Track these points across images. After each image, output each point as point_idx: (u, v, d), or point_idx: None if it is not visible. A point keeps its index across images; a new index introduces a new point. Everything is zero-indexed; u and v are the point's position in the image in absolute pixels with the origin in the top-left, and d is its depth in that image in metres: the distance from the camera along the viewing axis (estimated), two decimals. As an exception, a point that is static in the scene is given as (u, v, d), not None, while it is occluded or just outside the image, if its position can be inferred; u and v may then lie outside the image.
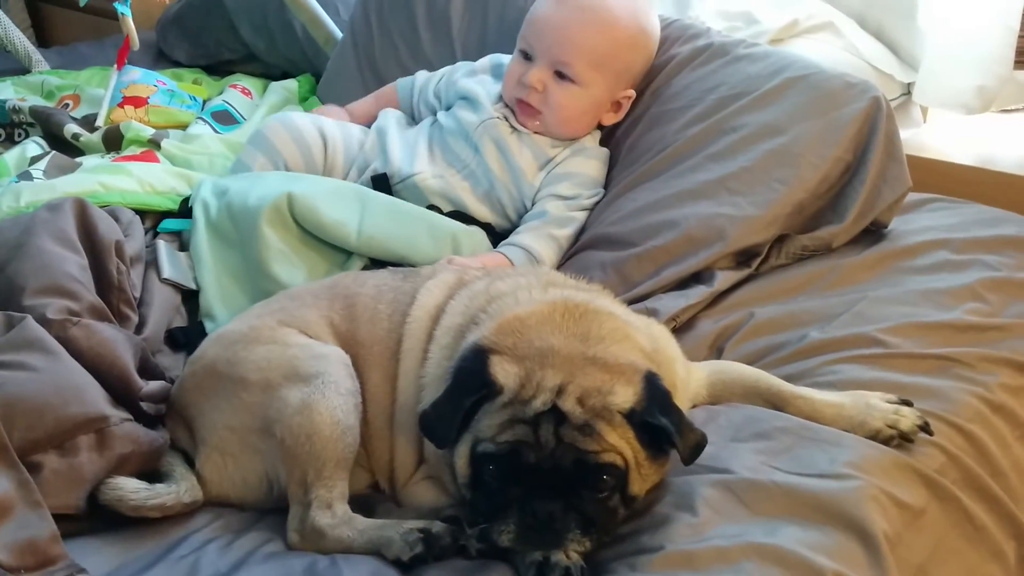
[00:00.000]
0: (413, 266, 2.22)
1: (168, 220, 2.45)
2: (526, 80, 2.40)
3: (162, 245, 2.31)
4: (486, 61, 2.65)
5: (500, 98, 2.50)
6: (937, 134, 3.18)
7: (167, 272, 2.26)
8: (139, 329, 2.10)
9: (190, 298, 2.29)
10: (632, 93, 2.49)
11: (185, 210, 2.45)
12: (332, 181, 2.43)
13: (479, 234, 2.37)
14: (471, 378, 1.58)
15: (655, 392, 1.57)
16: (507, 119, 2.46)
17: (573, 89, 2.40)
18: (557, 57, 2.39)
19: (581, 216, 2.40)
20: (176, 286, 2.27)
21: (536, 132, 2.45)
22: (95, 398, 1.74)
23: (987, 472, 1.79)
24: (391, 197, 2.41)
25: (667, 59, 2.54)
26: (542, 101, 2.41)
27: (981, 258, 2.25)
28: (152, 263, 2.28)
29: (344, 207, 2.29)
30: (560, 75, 2.40)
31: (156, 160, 2.72)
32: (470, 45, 2.85)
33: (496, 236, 2.44)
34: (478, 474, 1.59)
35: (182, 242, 2.41)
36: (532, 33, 2.43)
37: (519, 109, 2.45)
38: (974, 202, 2.53)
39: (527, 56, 2.43)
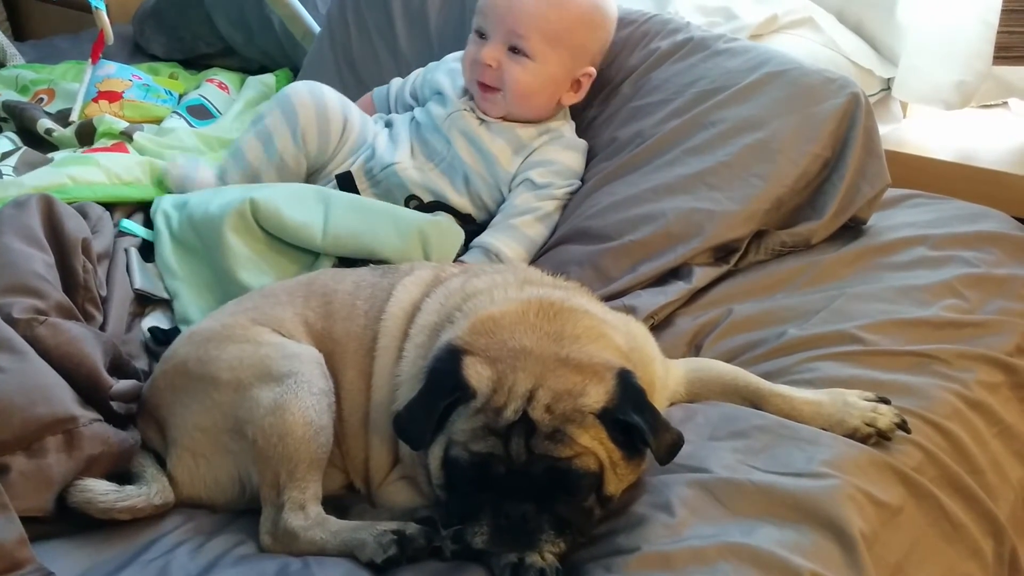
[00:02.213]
0: (382, 261, 2.21)
1: (127, 221, 2.41)
2: (480, 58, 2.40)
3: (133, 254, 2.28)
4: (459, 54, 2.63)
5: (465, 91, 2.49)
6: (916, 129, 3.18)
7: (139, 282, 2.23)
8: (102, 327, 2.07)
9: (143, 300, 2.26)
10: (592, 71, 2.47)
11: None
12: (293, 185, 2.41)
13: (446, 221, 2.34)
14: (444, 380, 1.56)
15: (628, 390, 1.55)
16: (473, 111, 2.45)
17: (527, 64, 2.39)
18: (510, 30, 2.38)
19: (550, 205, 2.38)
20: (147, 295, 2.24)
21: (499, 118, 2.44)
22: (63, 398, 1.70)
23: (965, 469, 1.79)
24: (353, 195, 2.39)
25: (647, 53, 2.52)
26: (497, 78, 2.40)
27: (960, 254, 2.25)
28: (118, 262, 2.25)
29: (307, 208, 2.27)
30: (514, 50, 2.39)
31: (126, 152, 2.68)
32: (447, 40, 2.83)
33: (478, 227, 2.42)
34: (451, 476, 1.57)
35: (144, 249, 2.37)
36: (485, 10, 2.43)
37: (479, 93, 2.44)
38: (953, 198, 2.53)
39: (481, 35, 2.43)
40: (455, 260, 2.29)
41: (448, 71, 2.58)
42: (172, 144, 2.76)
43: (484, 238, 2.34)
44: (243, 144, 2.49)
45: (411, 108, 2.64)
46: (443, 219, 2.35)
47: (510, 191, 2.41)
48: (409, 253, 2.23)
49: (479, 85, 2.43)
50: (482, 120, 2.44)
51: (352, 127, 2.51)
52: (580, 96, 2.49)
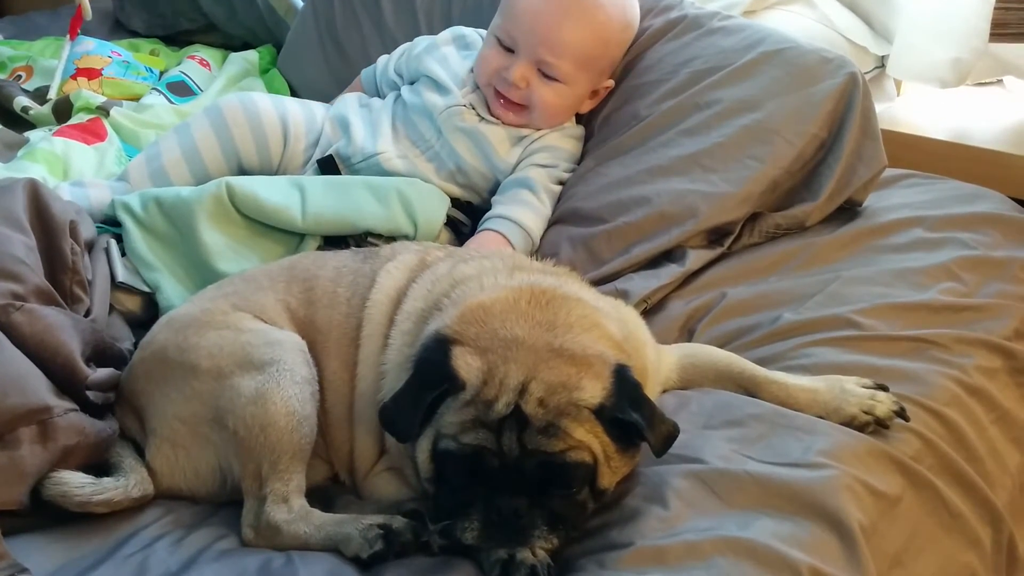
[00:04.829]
0: (369, 232, 2.17)
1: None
2: (509, 76, 2.29)
3: (114, 247, 2.21)
4: (447, 34, 2.56)
5: (466, 82, 2.40)
6: (911, 108, 3.15)
7: (121, 275, 2.16)
8: (88, 310, 2.02)
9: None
10: (611, 83, 2.42)
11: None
12: (264, 177, 2.33)
13: (419, 181, 2.30)
14: (433, 371, 1.52)
15: (625, 386, 1.51)
16: (474, 107, 2.37)
17: (558, 87, 2.31)
18: (544, 57, 2.28)
19: (558, 189, 2.35)
20: (131, 289, 2.17)
21: (510, 125, 2.37)
22: (37, 388, 1.66)
23: (963, 457, 1.76)
24: (326, 176, 2.34)
25: (640, 31, 2.46)
26: (525, 97, 2.32)
27: (956, 236, 2.22)
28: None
29: (283, 193, 2.22)
30: (544, 71, 2.30)
31: (103, 129, 2.62)
32: (434, 17, 2.77)
33: (465, 211, 2.38)
34: (440, 469, 1.53)
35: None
36: (518, 27, 2.30)
37: (496, 101, 2.35)
38: (949, 178, 2.50)
39: (507, 47, 2.32)
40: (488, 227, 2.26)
41: (440, 59, 2.47)
42: (149, 121, 2.70)
43: (509, 211, 2.26)
44: (165, 161, 2.38)
45: (395, 84, 2.58)
46: (416, 180, 2.30)
47: (512, 174, 2.35)
48: (393, 218, 2.19)
49: (500, 97, 2.34)
50: (483, 117, 2.37)
51: (295, 127, 2.42)
52: (596, 103, 2.43)
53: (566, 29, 2.27)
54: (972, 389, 1.87)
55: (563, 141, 2.38)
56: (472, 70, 2.42)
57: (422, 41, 2.58)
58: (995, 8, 2.82)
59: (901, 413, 1.72)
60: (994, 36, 2.86)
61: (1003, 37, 2.91)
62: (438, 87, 2.42)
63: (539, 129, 2.37)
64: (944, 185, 2.44)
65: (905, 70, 2.98)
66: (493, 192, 2.37)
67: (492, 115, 2.36)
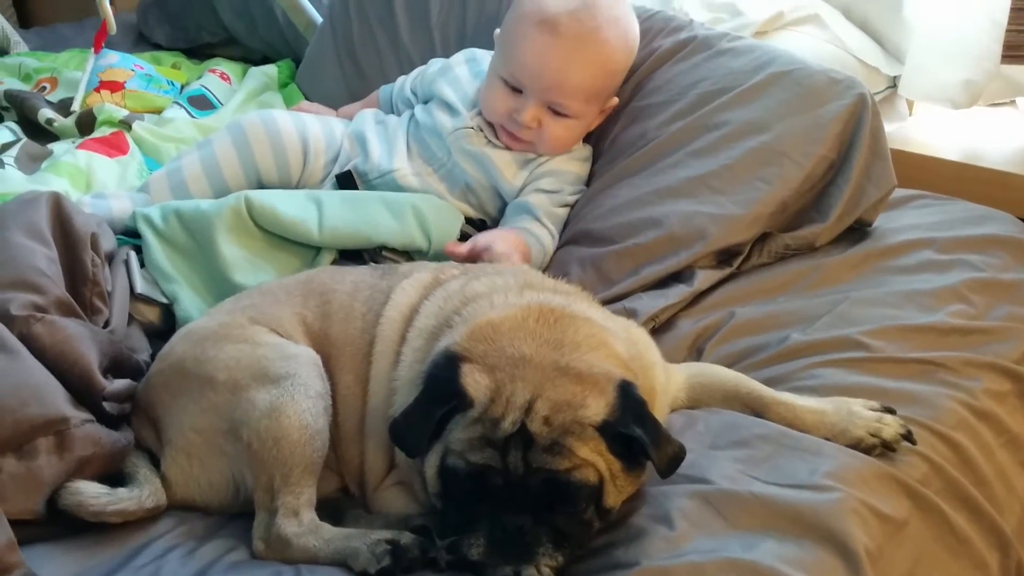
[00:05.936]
0: (384, 246, 2.21)
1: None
2: (520, 119, 2.31)
3: (134, 259, 2.24)
4: (461, 56, 2.59)
5: (476, 102, 2.43)
6: (923, 128, 3.16)
7: (140, 287, 2.19)
8: (107, 321, 2.04)
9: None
10: (616, 100, 2.44)
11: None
12: (282, 191, 2.37)
13: (434, 197, 2.33)
14: (442, 387, 1.54)
15: (629, 402, 1.52)
16: (482, 129, 2.39)
17: (568, 122, 2.34)
18: (554, 99, 2.30)
19: (563, 212, 2.36)
20: (149, 300, 2.20)
21: (516, 151, 2.39)
22: (55, 399, 1.68)
23: (971, 481, 1.75)
24: (343, 191, 2.36)
25: (649, 52, 2.48)
26: (536, 135, 2.35)
27: (966, 258, 2.21)
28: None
29: (300, 206, 2.25)
30: (553, 109, 2.32)
31: (125, 143, 2.66)
32: (449, 35, 2.80)
33: (478, 228, 2.40)
34: (447, 486, 1.54)
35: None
36: (524, 73, 2.31)
37: (506, 136, 2.37)
38: (959, 199, 2.49)
39: (514, 88, 2.33)
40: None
41: (452, 80, 2.50)
42: (171, 135, 2.74)
43: (535, 230, 2.28)
44: (186, 175, 2.42)
45: (410, 103, 2.61)
46: (431, 196, 2.33)
47: (517, 197, 2.37)
48: (408, 233, 2.22)
49: (509, 134, 2.36)
50: (490, 140, 2.39)
51: (315, 144, 2.45)
52: (602, 120, 2.45)
53: (573, 72, 2.28)
54: (980, 412, 1.86)
55: (569, 164, 2.39)
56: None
57: (437, 63, 2.61)
58: (1007, 30, 2.83)
59: (908, 436, 1.72)
60: (1006, 58, 2.87)
61: (1015, 59, 2.92)
62: (449, 108, 2.44)
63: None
64: (954, 206, 2.44)
65: (917, 90, 2.99)
66: (503, 211, 2.39)
67: (501, 143, 2.38)
